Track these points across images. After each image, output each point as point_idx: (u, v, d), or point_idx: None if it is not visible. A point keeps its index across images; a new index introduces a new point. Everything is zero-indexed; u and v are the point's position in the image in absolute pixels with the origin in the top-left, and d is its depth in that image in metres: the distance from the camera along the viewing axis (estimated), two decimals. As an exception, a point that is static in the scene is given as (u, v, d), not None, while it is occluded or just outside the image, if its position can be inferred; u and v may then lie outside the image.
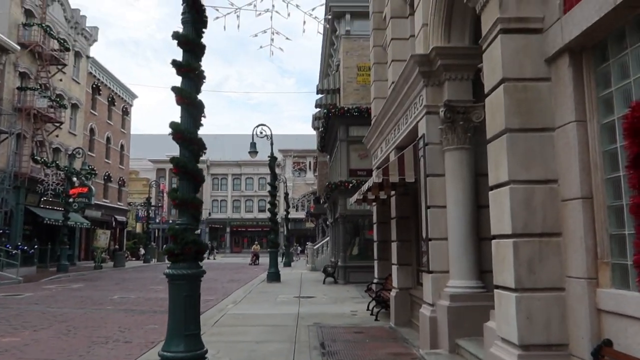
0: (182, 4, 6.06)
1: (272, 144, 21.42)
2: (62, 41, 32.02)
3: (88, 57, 38.43)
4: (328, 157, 28.64)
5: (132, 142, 71.66)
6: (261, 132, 21.18)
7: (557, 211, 4.41)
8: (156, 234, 66.36)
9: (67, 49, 32.81)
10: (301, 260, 42.77)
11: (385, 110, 10.27)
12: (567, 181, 4.31)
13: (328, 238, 29.69)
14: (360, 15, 21.13)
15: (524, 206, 4.42)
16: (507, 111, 4.53)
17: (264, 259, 39.17)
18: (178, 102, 5.80)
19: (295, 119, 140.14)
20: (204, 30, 6.15)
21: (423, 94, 7.62)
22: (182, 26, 6.05)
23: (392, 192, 10.06)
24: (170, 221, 69.32)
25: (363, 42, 21.26)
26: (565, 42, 4.23)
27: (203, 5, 6.07)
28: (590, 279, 4.07)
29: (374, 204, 12.63)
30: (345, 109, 19.92)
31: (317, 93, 24.84)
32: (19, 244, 25.06)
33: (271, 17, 6.43)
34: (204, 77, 6.03)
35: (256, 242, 46.77)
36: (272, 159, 21.16)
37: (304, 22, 6.49)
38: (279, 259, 37.00)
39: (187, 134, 5.66)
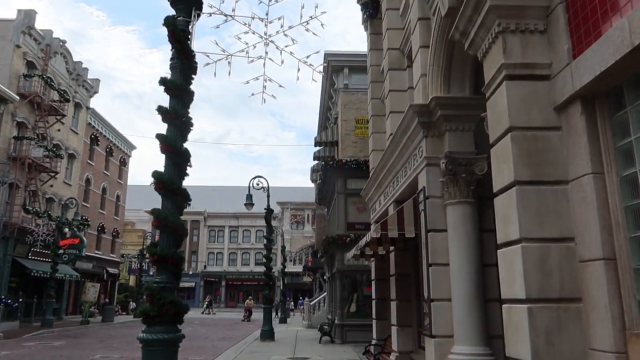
0: (171, 50, 5.83)
1: (268, 196, 21.02)
2: (62, 92, 32.30)
3: (88, 108, 38.74)
4: (326, 209, 28.20)
5: (130, 192, 71.40)
6: (258, 184, 20.83)
7: (576, 273, 3.95)
8: (149, 287, 64.66)
9: (67, 100, 33.06)
10: (297, 316, 41.38)
11: (384, 162, 9.96)
12: (586, 240, 3.87)
13: (325, 293, 28.74)
14: (358, 69, 21.36)
15: (539, 267, 3.96)
16: (516, 162, 4.15)
17: (258, 314, 37.78)
18: (162, 150, 5.43)
19: (294, 172, 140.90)
20: (193, 76, 5.89)
21: (423, 145, 7.30)
22: (170, 72, 5.80)
23: (391, 248, 9.59)
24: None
25: (361, 95, 21.36)
26: (576, 89, 3.91)
27: (193, 51, 5.84)
28: (618, 353, 3.55)
29: (372, 259, 12.10)
30: (343, 161, 19.69)
31: (315, 145, 24.74)
32: (3, 297, 24.11)
33: (264, 64, 6.22)
34: (191, 125, 5.71)
35: (250, 297, 44.89)
36: (268, 211, 20.71)
37: (298, 70, 6.27)
38: (274, 314, 35.78)
39: (170, 184, 5.25)
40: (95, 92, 40.01)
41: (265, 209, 20.87)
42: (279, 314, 34.68)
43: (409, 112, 7.37)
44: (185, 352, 16.28)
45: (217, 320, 37.15)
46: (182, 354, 14.93)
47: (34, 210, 28.49)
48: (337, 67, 21.77)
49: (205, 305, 51.81)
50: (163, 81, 5.66)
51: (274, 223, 42.77)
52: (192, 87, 5.91)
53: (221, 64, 6.15)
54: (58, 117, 32.84)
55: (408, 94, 10.32)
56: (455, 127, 6.97)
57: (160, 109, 5.59)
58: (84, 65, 38.30)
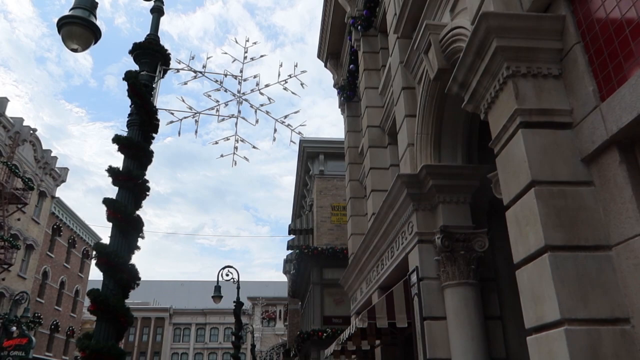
0: (130, 106, 5.10)
1: (238, 287, 19.55)
2: (27, 180, 31.07)
3: (53, 197, 37.28)
4: (300, 303, 26.56)
5: (92, 287, 67.41)
6: (227, 274, 19.44)
7: (638, 366, 3.02)
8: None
9: (32, 189, 31.75)
10: None
11: (366, 245, 9.09)
12: (647, 320, 3.00)
13: (298, 398, 26.17)
14: (334, 156, 21.14)
15: (590, 358, 3.02)
16: (545, 223, 3.37)
17: None
18: (109, 218, 4.48)
19: (266, 266, 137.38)
20: (153, 135, 5.12)
21: (413, 220, 6.52)
22: (127, 130, 5.03)
23: (377, 342, 8.43)
24: (123, 378, 62.28)
25: (337, 182, 20.95)
26: (611, 133, 3.26)
27: (155, 107, 5.12)
28: None
29: (353, 357, 10.77)
30: (319, 249, 18.67)
31: (289, 233, 23.72)
32: None
33: (236, 123, 5.52)
34: (147, 190, 4.82)
35: None
36: (238, 304, 19.11)
37: (275, 130, 5.59)
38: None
39: (114, 258, 4.24)
40: (63, 181, 38.80)
41: (234, 302, 19.29)
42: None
43: (397, 183, 6.67)
44: None
45: None
46: None
47: (-21, 308, 25.94)
48: (312, 153, 21.51)
49: None
50: (117, 139, 4.84)
51: (244, 319, 40.19)
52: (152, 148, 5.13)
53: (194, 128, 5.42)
54: (19, 206, 31.29)
55: (390, 171, 9.74)
56: (450, 198, 6.26)
57: (111, 170, 4.72)
58: (58, 159, 37.50)
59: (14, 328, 27.03)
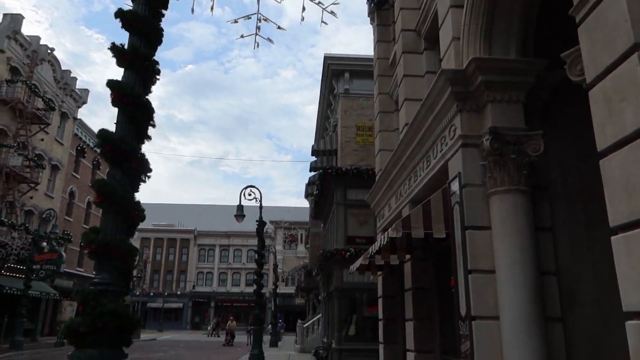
0: (135, -25, 4.34)
1: (260, 207, 19.40)
2: (47, 100, 30.78)
3: (75, 118, 37.20)
4: (322, 225, 26.58)
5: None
6: (250, 194, 19.24)
7: None
8: (135, 308, 62.30)
9: (53, 109, 31.54)
10: (288, 339, 39.20)
11: (397, 157, 8.45)
12: None
13: (319, 315, 26.89)
14: (360, 74, 20.07)
15: None
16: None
17: (242, 338, 35.35)
18: (114, 102, 3.89)
19: (288, 194, 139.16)
20: (163, 11, 4.39)
21: (456, 122, 5.81)
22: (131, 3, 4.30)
23: (407, 257, 8.01)
24: (152, 294, 65.50)
25: (363, 101, 20.03)
26: None
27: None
28: None
29: (379, 273, 10.50)
30: (344, 169, 18.15)
31: (312, 154, 23.23)
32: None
33: (258, 2, 4.74)
34: (157, 73, 4.18)
35: (231, 318, 39.78)
36: (261, 223, 19.04)
37: (303, 9, 4.80)
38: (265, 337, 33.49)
39: (121, 145, 3.69)
40: (84, 102, 38.52)
41: (257, 221, 19.21)
42: (270, 336, 32.54)
43: (439, 81, 5.89)
44: (164, 379, 14.43)
45: (204, 343, 35.01)
46: None
47: (10, 222, 26.62)
48: (337, 71, 20.45)
49: (211, 327, 48.79)
50: (120, 12, 4.14)
51: (267, 242, 40.97)
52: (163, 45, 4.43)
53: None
54: (42, 126, 31.27)
55: (426, 79, 8.90)
56: (500, 97, 5.49)
57: (115, 48, 4.06)
58: (77, 80, 36.96)
59: (45, 244, 27.90)
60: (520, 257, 4.94)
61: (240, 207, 18.94)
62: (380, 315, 10.39)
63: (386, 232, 6.17)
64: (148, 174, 3.86)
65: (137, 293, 61.82)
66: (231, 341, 32.44)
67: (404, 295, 8.74)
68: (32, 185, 29.90)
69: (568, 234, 5.29)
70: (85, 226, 38.61)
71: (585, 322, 4.93)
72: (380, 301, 10.52)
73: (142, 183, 3.83)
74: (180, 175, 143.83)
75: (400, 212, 8.76)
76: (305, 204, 52.20)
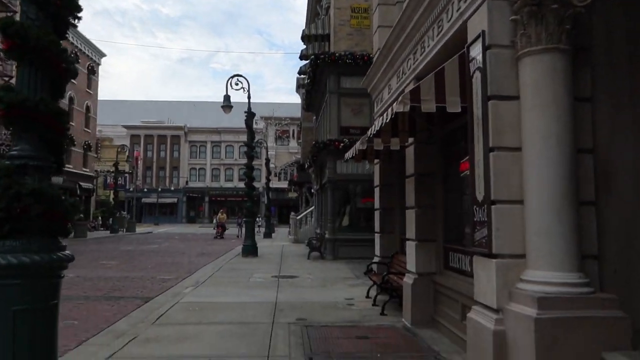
0: None
1: (249, 97, 18.25)
2: (11, -19, 27.91)
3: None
4: (314, 118, 25.63)
5: (107, 108, 67.37)
6: (237, 84, 18.00)
7: None
8: (130, 203, 63.02)
9: (18, -9, 28.74)
10: (282, 231, 39.97)
11: (401, 27, 7.28)
12: None
13: (312, 208, 26.92)
14: (355, -56, 17.86)
15: None
16: None
17: (233, 230, 35.33)
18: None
19: (280, 91, 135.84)
20: None
21: (481, -33, 4.63)
22: None
23: (410, 140, 7.19)
24: (145, 190, 66.04)
25: (358, -22, 18.04)
26: None
27: None
28: None
29: (376, 161, 9.77)
30: (337, 55, 16.80)
31: (302, 40, 21.56)
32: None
33: None
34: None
35: (222, 210, 38.22)
36: (249, 114, 18.01)
37: None
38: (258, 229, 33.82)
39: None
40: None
41: (245, 112, 18.16)
42: (265, 228, 32.93)
43: None
44: (156, 269, 14.33)
45: (199, 235, 35.56)
46: (152, 272, 12.71)
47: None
48: (330, -59, 18.19)
49: (215, 221, 44.03)
50: None
51: (258, 137, 40.13)
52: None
53: None
54: (9, 14, 28.71)
55: None
56: None
57: None
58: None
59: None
60: (555, 131, 4.09)
61: (227, 97, 17.83)
62: (377, 205, 9.84)
63: (390, 108, 5.26)
64: (77, 13, 2.82)
65: (131, 189, 62.20)
66: (222, 234, 31.94)
67: (405, 182, 8.06)
68: (6, 79, 28.16)
69: (609, 107, 4.41)
70: (70, 123, 37.34)
71: (620, 208, 4.24)
72: (377, 190, 9.92)
73: (69, 25, 2.79)
74: (170, 74, 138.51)
75: (402, 91, 7.76)
76: (297, 99, 50.68)
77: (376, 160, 9.76)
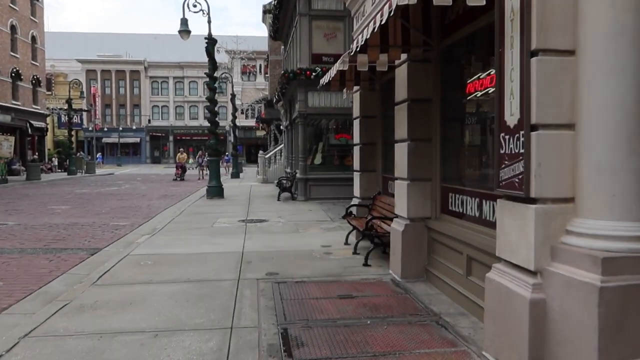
0: None
1: (209, 21, 16.29)
2: None
3: None
4: (282, 47, 23.71)
5: (60, 41, 62.39)
6: (195, 6, 15.97)
7: None
8: (90, 144, 60.11)
9: None
10: (250, 170, 38.64)
11: None
12: None
13: (282, 145, 25.57)
14: None
15: None
16: None
17: (193, 172, 33.15)
18: None
19: (247, 26, 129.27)
20: None
21: None
22: None
23: (402, 58, 5.88)
24: (105, 129, 62.75)
25: None
26: None
27: None
28: None
29: (355, 88, 8.46)
30: (307, -30, 14.89)
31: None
32: None
33: None
34: None
35: (180, 150, 34.00)
36: (210, 40, 16.07)
37: None
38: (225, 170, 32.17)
39: None
40: None
41: (206, 39, 16.23)
42: (233, 168, 31.47)
43: None
44: (111, 214, 12.97)
45: (163, 176, 33.91)
46: (106, 218, 11.32)
47: None
48: None
49: (196, 162, 37.09)
50: None
51: (222, 73, 37.62)
52: None
53: None
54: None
55: None
56: None
57: None
58: None
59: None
60: (631, 25, 2.87)
61: (184, 21, 15.90)
62: (357, 139, 8.62)
63: (385, 6, 3.92)
64: None
65: (90, 129, 59.02)
66: (182, 176, 28.82)
67: (391, 113, 6.83)
68: None
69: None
70: (13, 54, 34.07)
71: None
72: (356, 123, 8.66)
73: None
74: (126, 3, 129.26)
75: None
76: (264, 32, 47.82)
77: (356, 88, 8.45)
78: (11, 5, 34.12)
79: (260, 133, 54.90)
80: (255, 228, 10.03)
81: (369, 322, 4.41)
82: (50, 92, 44.85)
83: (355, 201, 8.75)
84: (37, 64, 38.17)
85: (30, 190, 21.21)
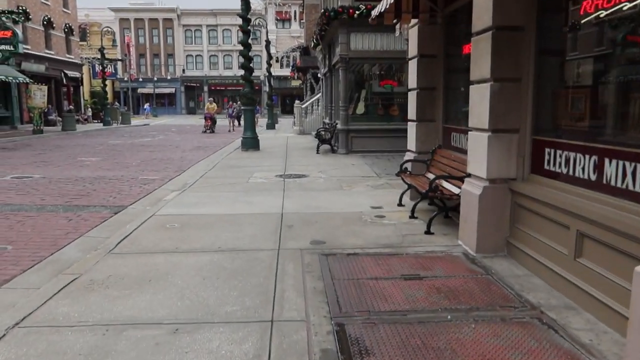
0: None
1: (241, -45, 14.82)
2: None
3: None
4: (320, -13, 21.92)
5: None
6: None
7: None
8: (126, 94, 60.11)
9: None
10: (286, 121, 37.57)
11: None
12: None
13: (319, 95, 24.26)
14: None
15: None
16: None
17: (223, 122, 30.97)
18: None
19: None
20: None
21: None
22: None
23: (486, -27, 4.54)
24: (140, 79, 62.35)
25: None
26: None
27: None
28: None
29: (413, 21, 7.13)
30: None
31: None
32: None
33: None
34: None
35: (210, 99, 31.79)
36: (243, -23, 14.69)
37: None
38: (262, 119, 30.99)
39: None
40: None
41: (238, -23, 14.80)
42: (268, 119, 30.42)
43: None
44: (141, 167, 12.27)
45: (198, 127, 33.20)
46: (136, 171, 10.30)
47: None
48: None
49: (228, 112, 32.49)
50: None
51: (257, 21, 35.86)
52: None
53: None
54: None
55: None
56: None
57: None
58: None
59: (-8, 19, 23.55)
60: None
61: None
62: (413, 84, 7.35)
63: None
64: None
65: (126, 79, 58.77)
66: (212, 127, 26.90)
67: (460, 49, 5.55)
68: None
69: None
70: (44, 1, 33.31)
71: None
72: (412, 64, 7.36)
73: None
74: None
75: None
76: (299, -27, 45.51)
77: (413, 21, 7.11)
78: (40, -51, 33.05)
79: (296, 83, 53.34)
80: (294, 184, 9.05)
81: (449, 316, 3.38)
82: (85, 42, 44.38)
83: (409, 155, 7.59)
84: (69, 11, 37.40)
85: (64, 141, 20.85)
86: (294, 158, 13.32)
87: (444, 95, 7.04)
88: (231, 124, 29.86)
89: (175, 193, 8.28)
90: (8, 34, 23.80)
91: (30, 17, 28.85)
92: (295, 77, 47.92)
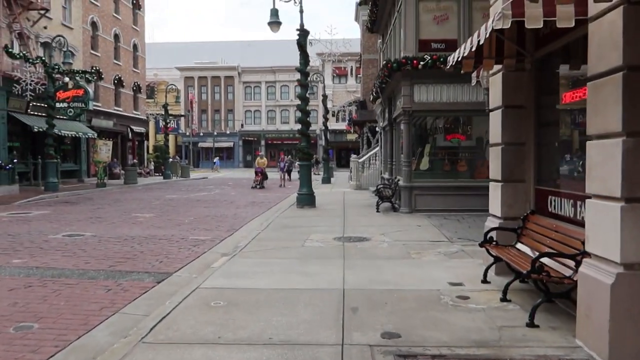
0: None
1: (301, 11, 14.69)
2: None
3: None
4: (379, 40, 21.67)
5: (160, 52, 65.57)
6: (286, -4, 14.46)
7: None
8: (187, 148, 62.22)
9: None
10: (341, 175, 36.91)
11: None
12: None
13: (377, 148, 23.50)
14: None
15: None
16: None
17: (274, 174, 29.76)
18: None
19: (337, 30, 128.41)
20: None
21: None
22: None
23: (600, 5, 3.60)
24: (201, 134, 64.54)
25: None
26: None
27: None
28: None
29: (496, 67, 6.23)
30: (413, -56, 12.74)
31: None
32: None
33: None
34: None
35: (260, 153, 29.57)
36: (302, 32, 14.45)
37: None
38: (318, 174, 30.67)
39: None
40: None
41: (297, 30, 14.62)
42: (323, 173, 29.86)
43: None
44: (193, 225, 11.71)
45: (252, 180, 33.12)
46: (187, 229, 9.32)
47: (21, 54, 23.28)
48: None
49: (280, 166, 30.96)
50: None
51: (314, 77, 36.28)
52: None
53: None
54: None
55: None
56: None
57: None
58: None
59: (67, 79, 24.82)
60: None
61: (274, 12, 14.41)
62: (496, 138, 6.35)
63: None
64: None
65: (187, 134, 60.99)
66: (262, 182, 25.44)
67: (555, 99, 4.55)
68: (42, 12, 25.91)
69: None
70: (116, 62, 35.30)
71: None
72: (495, 116, 6.39)
73: None
74: (222, 21, 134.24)
75: None
76: (356, 34, 46.17)
77: (496, 67, 6.20)
78: (115, 15, 35.42)
79: (352, 137, 53.22)
80: (355, 250, 8.06)
81: None
82: (152, 99, 46.56)
83: (493, 221, 6.46)
84: (138, 71, 39.43)
85: (123, 195, 21.03)
86: (353, 217, 12.37)
87: (535, 152, 5.97)
88: (282, 178, 28.74)
89: (225, 258, 7.50)
90: (80, 92, 24.92)
91: (102, 76, 30.46)
92: (352, 131, 47.72)
